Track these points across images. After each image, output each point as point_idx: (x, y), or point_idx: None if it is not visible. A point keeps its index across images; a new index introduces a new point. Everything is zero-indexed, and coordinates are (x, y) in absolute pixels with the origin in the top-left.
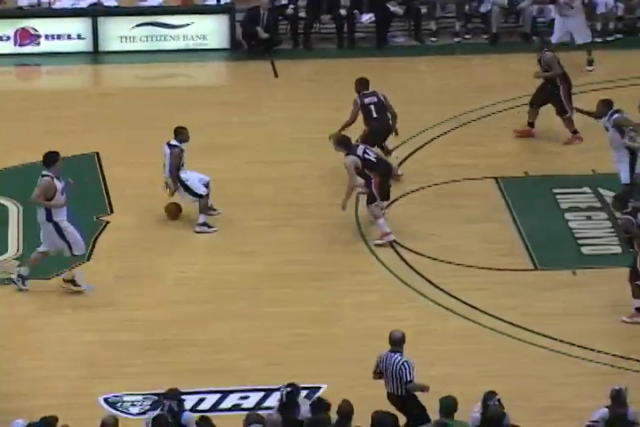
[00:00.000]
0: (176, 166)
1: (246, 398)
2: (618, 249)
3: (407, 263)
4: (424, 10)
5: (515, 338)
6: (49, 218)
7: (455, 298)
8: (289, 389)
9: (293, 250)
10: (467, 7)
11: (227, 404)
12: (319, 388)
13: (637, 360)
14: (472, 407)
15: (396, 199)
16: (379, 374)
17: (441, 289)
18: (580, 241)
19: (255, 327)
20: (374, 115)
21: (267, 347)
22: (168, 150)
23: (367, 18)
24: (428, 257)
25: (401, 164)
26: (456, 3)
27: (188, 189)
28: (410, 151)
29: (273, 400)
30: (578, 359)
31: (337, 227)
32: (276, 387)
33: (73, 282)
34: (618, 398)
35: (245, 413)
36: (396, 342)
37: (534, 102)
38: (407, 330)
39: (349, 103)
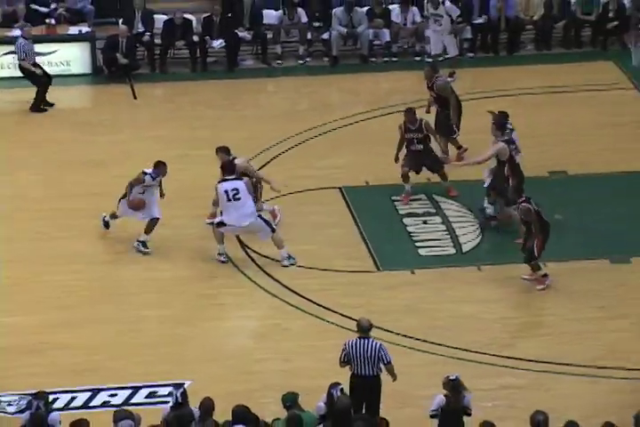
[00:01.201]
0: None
1: (115, 395)
2: (452, 250)
3: (260, 267)
4: (270, 35)
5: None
6: None
7: (305, 298)
8: (181, 390)
9: (154, 258)
10: (309, 33)
11: (97, 401)
12: (183, 383)
13: (471, 351)
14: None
15: None
16: (345, 362)
17: (292, 290)
18: (417, 244)
19: (123, 330)
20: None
21: (133, 348)
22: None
23: (218, 43)
24: (278, 260)
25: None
26: (299, 29)
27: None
28: (261, 165)
29: (140, 397)
30: (414, 351)
31: (195, 237)
32: (142, 384)
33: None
34: (452, 386)
35: (114, 409)
36: (365, 329)
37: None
38: (262, 329)
39: (204, 122)
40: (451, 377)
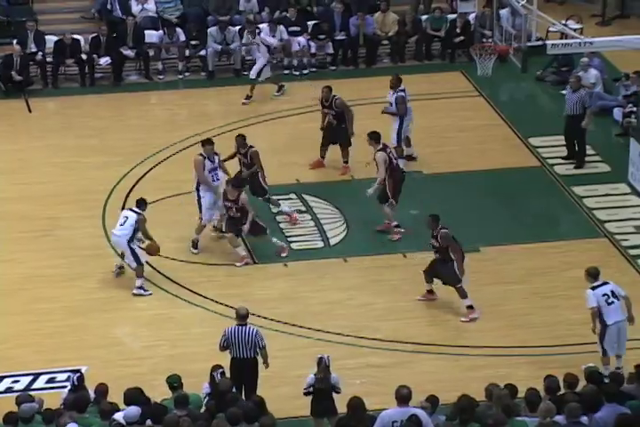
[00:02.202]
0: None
1: (17, 381)
2: (321, 244)
3: (148, 263)
4: (152, 53)
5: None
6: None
7: (189, 290)
8: (78, 375)
9: (50, 255)
10: (187, 50)
11: (0, 387)
12: (79, 370)
13: (339, 334)
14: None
15: None
16: (224, 347)
17: (176, 282)
18: (289, 239)
19: (22, 321)
20: None
21: (33, 337)
22: (135, 217)
23: (104, 60)
24: (166, 257)
25: (138, 181)
26: (178, 47)
27: (134, 254)
28: (146, 170)
29: (41, 382)
30: (288, 335)
31: (87, 235)
32: (42, 371)
33: None
34: (320, 364)
35: (17, 394)
36: (243, 317)
37: (326, 144)
38: (152, 318)
39: (94, 132)
40: (320, 357)
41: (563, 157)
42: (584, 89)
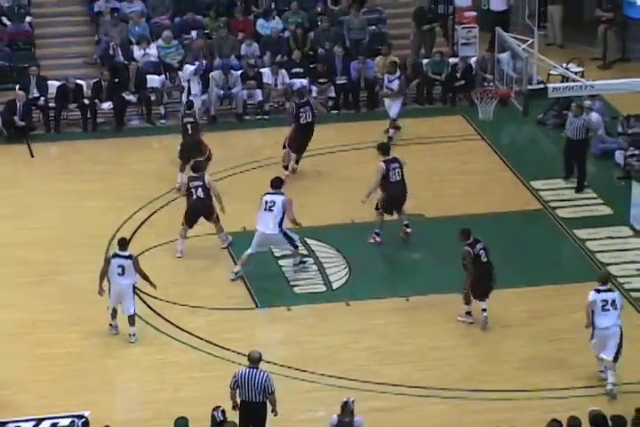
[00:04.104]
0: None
1: None
2: (323, 288)
3: (150, 307)
4: (153, 97)
5: (240, 364)
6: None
7: (192, 334)
8: (83, 420)
9: (52, 300)
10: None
11: None
12: (83, 415)
13: (342, 378)
14: None
15: (141, 253)
16: (234, 389)
17: (179, 327)
18: (292, 282)
19: (24, 366)
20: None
21: (35, 383)
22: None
23: (107, 105)
24: (167, 301)
25: (140, 225)
26: (180, 91)
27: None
28: (150, 213)
29: None
30: (292, 379)
31: (89, 280)
32: (46, 416)
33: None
34: (345, 408)
35: None
36: (256, 360)
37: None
38: (155, 362)
39: (96, 176)
40: (345, 400)
41: (563, 177)
42: (587, 114)
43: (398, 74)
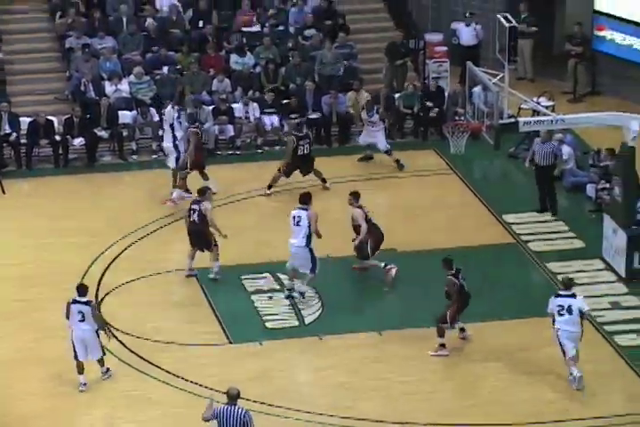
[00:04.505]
0: None
1: None
2: (296, 323)
3: (122, 343)
4: (125, 133)
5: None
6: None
7: (164, 370)
8: None
9: (24, 338)
10: (160, 130)
11: None
12: None
13: (316, 413)
14: None
15: (112, 290)
16: (207, 420)
17: (152, 364)
18: (264, 317)
19: None
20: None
21: (6, 419)
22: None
23: (78, 141)
24: (139, 337)
25: (113, 261)
26: (152, 126)
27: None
28: (121, 249)
29: None
30: (267, 415)
31: (60, 317)
32: None
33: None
34: None
35: None
36: (234, 397)
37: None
38: (128, 399)
39: (68, 213)
40: None
41: (537, 211)
42: (555, 141)
43: (376, 108)
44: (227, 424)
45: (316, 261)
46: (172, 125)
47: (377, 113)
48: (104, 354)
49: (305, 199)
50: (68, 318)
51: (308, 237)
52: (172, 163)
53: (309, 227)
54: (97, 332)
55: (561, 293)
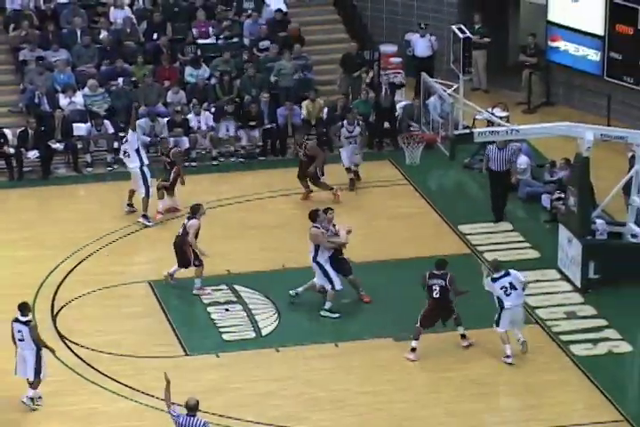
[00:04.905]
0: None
1: None
2: (252, 334)
3: (78, 356)
4: (80, 145)
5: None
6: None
7: (120, 383)
8: None
9: None
10: (115, 142)
11: None
12: None
13: (271, 425)
14: None
15: (69, 302)
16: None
17: (108, 376)
18: (221, 329)
19: None
20: None
21: None
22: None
23: (33, 154)
24: (95, 350)
25: (68, 274)
26: (106, 139)
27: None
28: (77, 262)
29: None
30: None
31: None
32: None
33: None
34: None
35: None
36: (193, 408)
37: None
38: (83, 413)
39: (22, 225)
40: None
41: (493, 221)
42: (510, 147)
43: (356, 121)
44: None
45: (331, 275)
46: (137, 150)
47: (358, 125)
48: (38, 378)
49: (312, 216)
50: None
51: (316, 251)
52: (141, 189)
53: (317, 245)
54: (38, 354)
55: (495, 276)
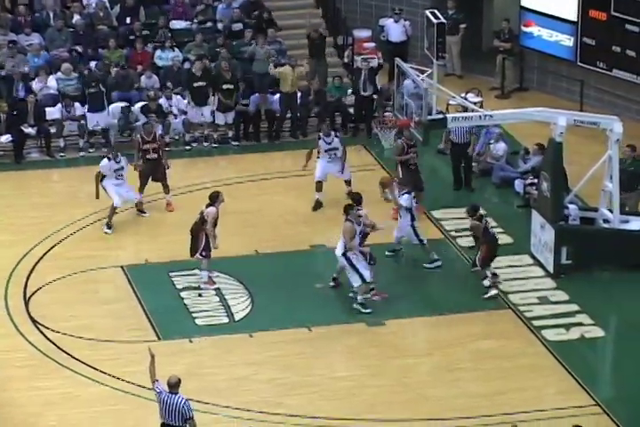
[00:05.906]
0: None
1: None
2: (226, 319)
3: (51, 341)
4: (53, 130)
5: (142, 397)
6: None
7: (93, 368)
8: None
9: None
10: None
11: None
12: None
13: (245, 410)
14: None
15: (41, 287)
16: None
17: (81, 361)
18: (194, 314)
19: None
20: None
21: None
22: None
23: (5, 138)
24: (68, 334)
25: (41, 259)
26: (78, 123)
27: None
28: (50, 246)
29: None
30: (196, 411)
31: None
32: None
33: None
34: None
35: None
36: (173, 385)
37: None
38: (56, 397)
39: None
40: None
41: (454, 189)
42: (489, 131)
43: (334, 132)
44: (167, 411)
45: (359, 269)
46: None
47: (337, 137)
48: None
49: (345, 209)
50: None
51: (344, 247)
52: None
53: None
54: None
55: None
